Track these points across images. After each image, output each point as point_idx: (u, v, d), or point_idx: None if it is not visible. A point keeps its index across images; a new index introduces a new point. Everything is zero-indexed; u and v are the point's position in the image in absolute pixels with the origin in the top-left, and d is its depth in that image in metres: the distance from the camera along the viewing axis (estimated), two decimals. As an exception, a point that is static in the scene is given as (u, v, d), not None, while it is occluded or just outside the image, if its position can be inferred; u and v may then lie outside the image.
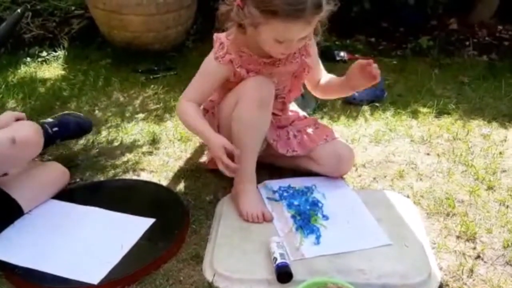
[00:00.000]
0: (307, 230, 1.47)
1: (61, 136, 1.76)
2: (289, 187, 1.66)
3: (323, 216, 1.53)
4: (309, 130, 1.72)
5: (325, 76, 1.76)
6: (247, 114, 1.50)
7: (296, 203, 1.58)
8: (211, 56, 1.56)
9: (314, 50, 1.67)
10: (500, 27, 3.13)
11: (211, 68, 1.56)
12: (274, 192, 1.64)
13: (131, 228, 1.48)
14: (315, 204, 1.58)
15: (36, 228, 1.48)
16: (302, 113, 1.83)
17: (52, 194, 1.61)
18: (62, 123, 1.77)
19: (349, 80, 1.60)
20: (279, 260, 1.31)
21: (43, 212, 1.55)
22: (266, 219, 1.52)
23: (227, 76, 1.56)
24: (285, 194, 1.63)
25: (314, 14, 1.39)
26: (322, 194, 1.63)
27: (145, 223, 1.49)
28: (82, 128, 1.83)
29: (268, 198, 1.62)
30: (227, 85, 1.59)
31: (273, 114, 1.67)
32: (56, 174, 1.66)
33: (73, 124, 1.80)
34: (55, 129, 1.73)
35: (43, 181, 1.61)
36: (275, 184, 1.68)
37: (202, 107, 1.66)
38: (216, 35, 1.57)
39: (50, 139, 1.71)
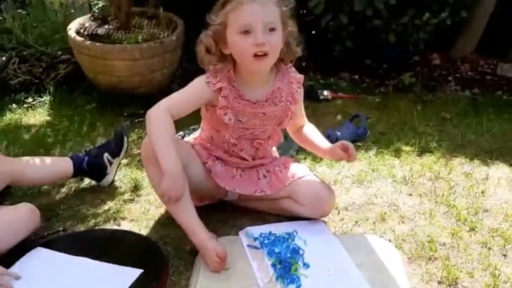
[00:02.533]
0: (288, 279, 1.46)
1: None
2: (270, 233, 1.65)
3: (304, 264, 1.52)
4: (277, 170, 1.73)
5: (309, 128, 1.80)
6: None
7: (277, 250, 1.57)
8: (202, 79, 1.59)
9: (300, 98, 1.70)
10: (482, 62, 3.18)
11: (198, 88, 1.59)
12: (255, 239, 1.63)
13: (118, 279, 1.46)
14: (296, 251, 1.57)
15: (22, 276, 1.47)
16: (275, 154, 1.84)
17: (23, 234, 1.59)
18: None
19: (330, 154, 1.69)
20: None
21: (28, 260, 1.54)
22: (220, 257, 1.49)
23: (211, 100, 1.59)
24: (266, 241, 1.62)
25: (268, 2, 1.47)
26: (304, 241, 1.62)
27: (133, 273, 1.48)
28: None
29: (249, 246, 1.61)
30: (210, 114, 1.63)
31: (242, 159, 1.69)
32: (25, 213, 1.63)
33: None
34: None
35: (11, 220, 1.59)
36: (256, 230, 1.67)
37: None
38: (210, 67, 1.60)
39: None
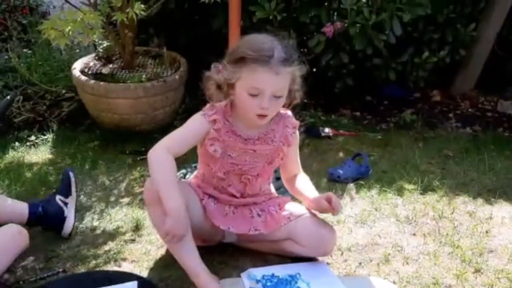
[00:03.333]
0: None
1: None
2: (272, 276, 1.62)
3: None
4: (272, 210, 1.72)
5: (301, 179, 1.79)
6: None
7: None
8: (199, 113, 1.64)
9: (295, 142, 1.72)
10: (482, 98, 3.21)
11: (196, 121, 1.63)
12: (258, 281, 1.61)
13: None
14: None
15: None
16: (272, 192, 1.82)
17: (11, 256, 1.60)
18: None
19: (316, 205, 1.69)
20: None
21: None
22: None
23: (209, 132, 1.61)
24: (268, 283, 1.59)
25: (281, 66, 1.48)
26: (307, 283, 1.59)
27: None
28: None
29: None
30: (204, 148, 1.64)
31: (232, 195, 1.69)
32: (11, 234, 1.63)
33: None
34: None
35: None
36: (259, 272, 1.65)
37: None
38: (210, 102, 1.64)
39: None
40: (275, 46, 1.50)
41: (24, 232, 1.66)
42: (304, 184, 1.77)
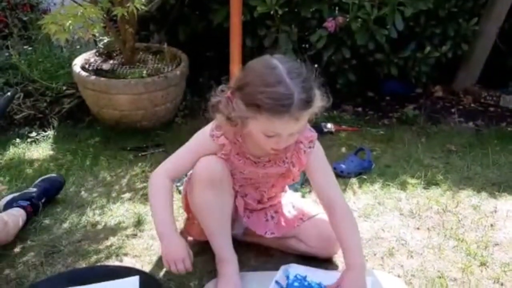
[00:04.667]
0: None
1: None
2: (304, 278, 1.56)
3: None
4: (286, 211, 1.68)
5: (344, 218, 1.52)
6: (200, 199, 1.50)
7: None
8: (206, 131, 1.52)
9: (315, 158, 1.53)
10: (484, 93, 3.19)
11: (203, 143, 1.52)
12: (287, 277, 1.56)
13: None
14: None
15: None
16: (289, 193, 1.78)
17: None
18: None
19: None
20: None
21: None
22: None
23: (215, 152, 1.52)
24: (295, 284, 1.54)
25: (302, 111, 1.31)
26: None
27: (132, 282, 1.52)
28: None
29: (276, 282, 1.54)
30: None
31: (247, 203, 1.64)
32: None
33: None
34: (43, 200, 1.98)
35: None
36: (294, 270, 1.58)
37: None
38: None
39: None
40: (294, 89, 1.29)
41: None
42: (342, 233, 1.50)
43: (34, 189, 2.01)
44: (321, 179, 1.54)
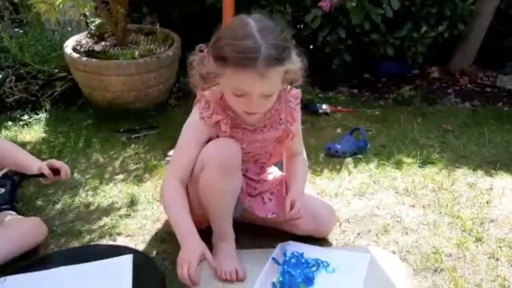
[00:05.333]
0: None
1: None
2: (301, 255, 1.55)
3: None
4: (279, 189, 1.65)
5: (296, 165, 1.63)
6: (212, 184, 1.44)
7: (292, 273, 1.48)
8: (195, 117, 1.47)
9: (298, 115, 1.59)
10: (481, 74, 3.16)
11: (197, 131, 1.47)
12: (284, 254, 1.56)
13: (116, 273, 1.48)
14: (309, 280, 1.47)
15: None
16: (278, 173, 1.74)
17: (28, 246, 1.60)
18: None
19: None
20: None
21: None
22: (239, 277, 1.44)
23: (212, 134, 1.48)
24: (292, 260, 1.53)
25: (269, 66, 1.29)
26: (330, 273, 1.49)
27: (125, 261, 1.52)
28: None
29: (273, 259, 1.53)
30: None
31: (249, 178, 1.61)
32: (33, 227, 1.66)
33: None
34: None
35: (20, 233, 1.61)
36: (291, 247, 1.58)
37: None
38: (199, 93, 1.48)
39: None
40: (262, 43, 1.28)
41: (44, 226, 1.68)
42: (294, 171, 1.62)
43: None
44: (295, 137, 1.60)
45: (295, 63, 1.36)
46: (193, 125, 1.49)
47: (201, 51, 1.42)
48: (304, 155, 1.69)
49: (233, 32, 1.34)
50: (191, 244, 1.40)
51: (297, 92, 1.56)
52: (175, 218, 1.45)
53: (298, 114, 1.58)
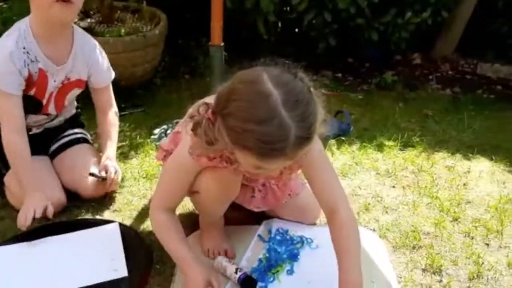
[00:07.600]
0: (262, 277, 1.43)
1: None
2: (286, 232, 1.60)
3: (288, 270, 1.47)
4: (274, 185, 1.60)
5: (343, 237, 1.32)
6: (208, 205, 1.47)
7: (278, 249, 1.54)
8: (183, 152, 1.30)
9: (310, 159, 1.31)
10: (462, 62, 3.23)
11: (184, 164, 1.33)
12: (270, 231, 1.60)
13: (105, 239, 1.55)
14: (294, 256, 1.52)
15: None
16: None
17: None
18: None
19: None
20: (238, 274, 1.38)
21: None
22: (228, 256, 1.48)
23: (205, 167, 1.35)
24: (277, 237, 1.58)
25: (298, 150, 1.08)
26: (314, 249, 1.55)
27: (113, 228, 1.59)
28: None
29: (259, 236, 1.59)
30: None
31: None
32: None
33: None
34: None
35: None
36: (277, 224, 1.63)
37: None
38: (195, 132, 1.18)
39: None
40: (291, 124, 1.03)
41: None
42: (341, 243, 1.31)
43: None
44: (321, 177, 1.36)
45: (321, 123, 1.13)
46: (181, 160, 1.34)
47: (206, 106, 1.15)
48: (347, 205, 1.37)
49: (252, 112, 1.05)
50: (195, 273, 1.33)
51: None
52: (174, 251, 1.38)
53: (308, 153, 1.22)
